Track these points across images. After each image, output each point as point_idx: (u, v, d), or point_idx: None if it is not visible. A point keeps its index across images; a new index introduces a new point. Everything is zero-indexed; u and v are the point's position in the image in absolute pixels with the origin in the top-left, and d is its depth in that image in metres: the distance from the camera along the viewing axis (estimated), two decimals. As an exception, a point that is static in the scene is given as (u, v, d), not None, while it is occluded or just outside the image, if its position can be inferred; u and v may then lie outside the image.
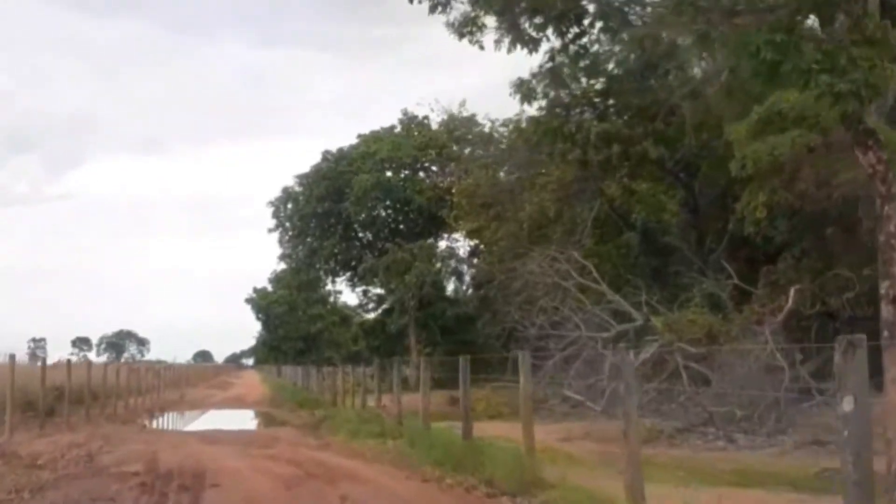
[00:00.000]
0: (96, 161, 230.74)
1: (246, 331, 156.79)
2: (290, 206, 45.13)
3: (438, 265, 38.43)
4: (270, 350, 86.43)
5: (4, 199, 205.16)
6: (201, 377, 69.70)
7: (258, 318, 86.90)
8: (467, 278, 44.24)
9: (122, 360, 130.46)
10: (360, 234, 45.77)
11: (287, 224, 45.62)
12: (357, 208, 42.31)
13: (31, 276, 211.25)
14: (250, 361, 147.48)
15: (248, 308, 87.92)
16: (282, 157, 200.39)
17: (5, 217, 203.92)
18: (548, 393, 23.70)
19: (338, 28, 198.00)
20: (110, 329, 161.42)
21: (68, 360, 24.28)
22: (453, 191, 34.31)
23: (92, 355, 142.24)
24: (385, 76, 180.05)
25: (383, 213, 43.65)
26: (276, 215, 45.45)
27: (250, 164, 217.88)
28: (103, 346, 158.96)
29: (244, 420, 29.38)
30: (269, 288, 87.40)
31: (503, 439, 16.28)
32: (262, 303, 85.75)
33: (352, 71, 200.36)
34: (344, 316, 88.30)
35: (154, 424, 24.86)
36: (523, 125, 27.01)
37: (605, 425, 18.74)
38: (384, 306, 45.95)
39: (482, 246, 34.19)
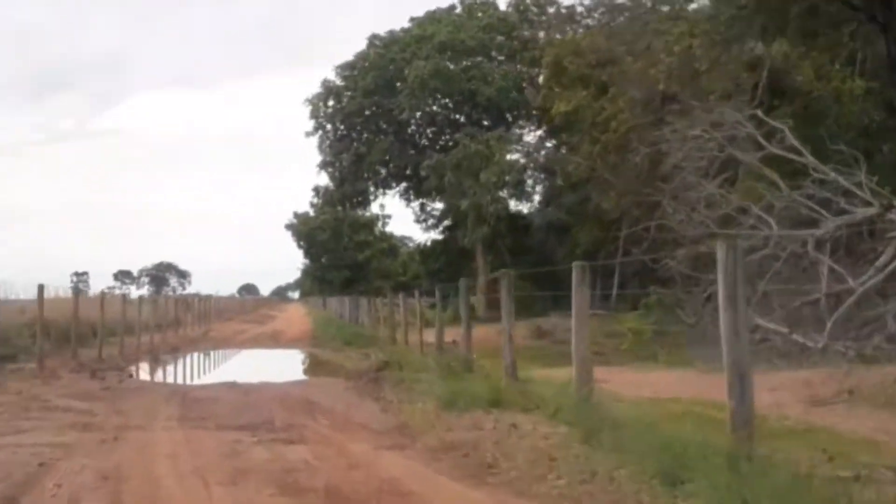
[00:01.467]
0: (139, 97, 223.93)
1: (292, 263, 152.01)
2: (331, 103, 37.22)
3: (522, 160, 30.14)
4: (315, 281, 79.67)
5: (49, 135, 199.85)
6: (239, 310, 63.17)
7: (300, 246, 79.92)
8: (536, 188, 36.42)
9: (163, 293, 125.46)
10: (416, 136, 38.00)
11: (328, 126, 37.78)
12: (412, 102, 34.43)
13: (76, 211, 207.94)
14: (296, 295, 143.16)
15: (293, 242, 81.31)
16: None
17: (51, 153, 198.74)
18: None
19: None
20: (153, 263, 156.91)
21: (40, 287, 17.34)
22: (543, 58, 26.11)
23: (133, 289, 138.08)
24: (431, 3, 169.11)
25: (442, 109, 35.67)
26: (314, 115, 37.57)
27: (293, 96, 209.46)
28: (143, 278, 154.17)
29: (274, 364, 22.32)
30: (311, 213, 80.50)
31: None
32: (303, 229, 78.61)
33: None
34: (391, 245, 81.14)
35: (145, 373, 17.77)
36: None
37: (864, 375, 10.79)
38: (445, 222, 38.37)
39: (572, 135, 25.98)
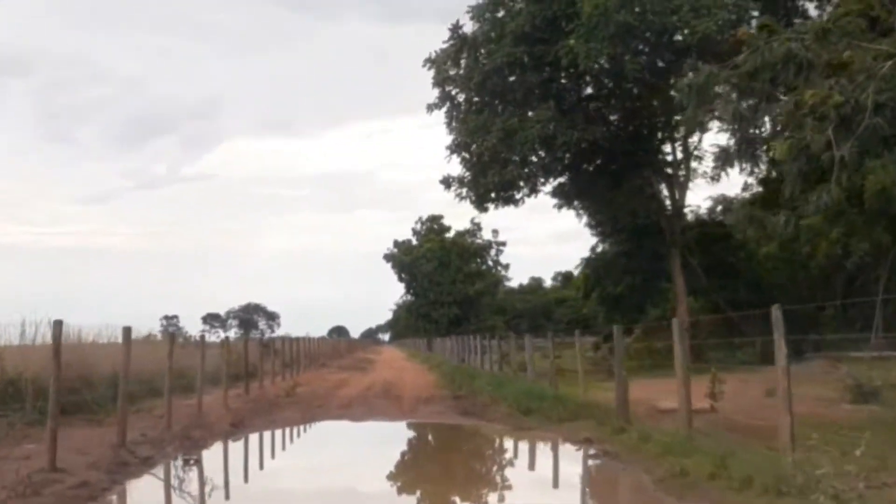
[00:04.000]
0: (230, 143, 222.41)
1: (382, 305, 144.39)
2: (463, 61, 26.13)
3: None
4: (419, 318, 68.58)
5: (143, 180, 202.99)
6: (332, 354, 52.41)
7: (400, 279, 69.27)
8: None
9: (251, 335, 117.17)
10: (586, 107, 26.66)
11: (459, 95, 26.68)
12: (588, 48, 23.12)
13: (168, 254, 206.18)
14: (386, 337, 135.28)
15: (382, 282, 71.35)
16: (409, 134, 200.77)
17: (145, 198, 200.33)
18: None
19: (459, 2, 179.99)
20: (240, 305, 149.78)
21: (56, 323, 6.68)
22: None
23: (221, 332, 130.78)
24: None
25: (631, 57, 24.12)
26: (439, 80, 26.54)
27: (379, 141, 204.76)
28: (231, 321, 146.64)
29: (431, 479, 11.03)
30: (414, 241, 70.07)
31: None
32: (404, 259, 68.11)
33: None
34: (495, 280, 70.11)
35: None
36: None
37: None
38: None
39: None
